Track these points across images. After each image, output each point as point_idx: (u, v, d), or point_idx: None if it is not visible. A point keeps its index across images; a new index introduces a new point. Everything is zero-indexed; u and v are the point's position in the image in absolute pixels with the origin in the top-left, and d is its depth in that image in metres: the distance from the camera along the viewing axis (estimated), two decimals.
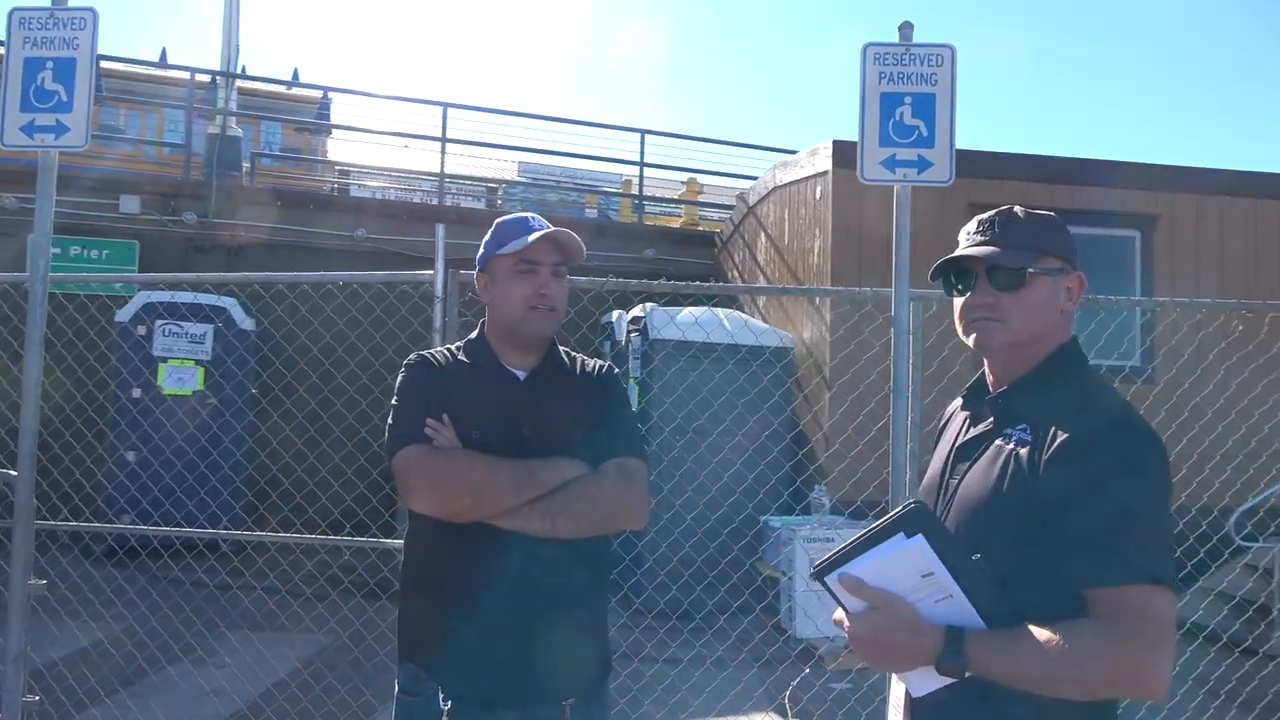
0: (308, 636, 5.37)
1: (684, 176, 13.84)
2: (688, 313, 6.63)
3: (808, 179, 8.10)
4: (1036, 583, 1.40)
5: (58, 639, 4.72)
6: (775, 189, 8.96)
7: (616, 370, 2.26)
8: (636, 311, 7.28)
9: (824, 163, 7.69)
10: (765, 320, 8.33)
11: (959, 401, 1.79)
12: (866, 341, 4.70)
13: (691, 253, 11.12)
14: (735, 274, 10.21)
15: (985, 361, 1.69)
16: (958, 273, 1.64)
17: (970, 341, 1.62)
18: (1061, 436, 1.43)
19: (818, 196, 7.84)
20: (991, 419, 1.59)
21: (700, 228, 12.97)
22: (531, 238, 2.06)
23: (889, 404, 3.42)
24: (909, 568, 1.38)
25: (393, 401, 2.08)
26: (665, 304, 7.15)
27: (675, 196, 14.43)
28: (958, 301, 1.65)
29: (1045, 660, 1.31)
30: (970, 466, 1.57)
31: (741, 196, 10.47)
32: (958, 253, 1.62)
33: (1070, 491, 1.39)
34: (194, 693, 4.64)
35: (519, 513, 1.92)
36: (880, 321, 4.16)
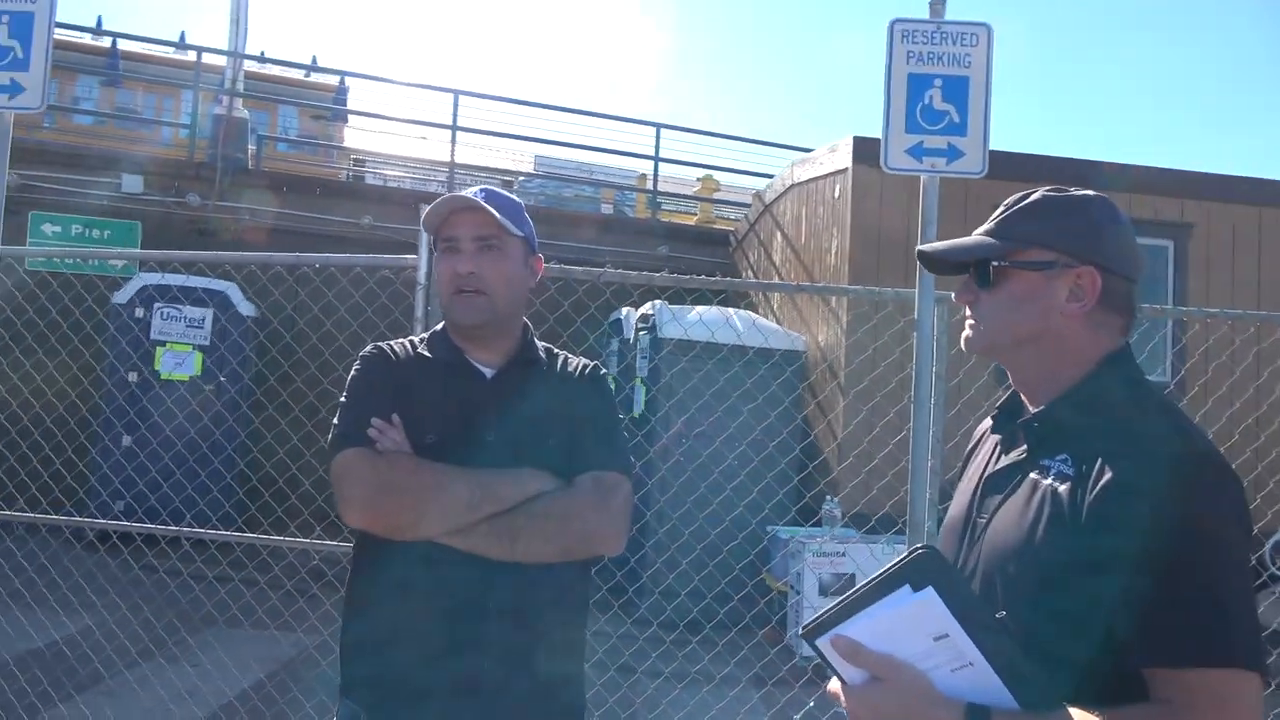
0: (286, 635, 5.12)
1: (699, 173, 13.57)
2: (701, 310, 6.34)
3: (826, 176, 7.80)
4: (1080, 655, 1.11)
5: (22, 631, 4.49)
6: (792, 186, 8.67)
7: (603, 370, 1.96)
8: (646, 309, 7.01)
9: (843, 159, 7.39)
10: (779, 322, 8.04)
11: (990, 422, 1.51)
12: (886, 346, 4.40)
13: (706, 251, 10.83)
14: (750, 273, 9.92)
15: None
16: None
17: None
18: (1109, 472, 1.14)
19: (836, 195, 7.54)
20: (1025, 446, 1.31)
21: (716, 226, 12.68)
22: (433, 208, 1.80)
23: (906, 414, 3.14)
24: (918, 628, 1.09)
25: (341, 398, 1.81)
26: (687, 301, 6.87)
27: (690, 193, 14.15)
28: None
29: None
30: (1001, 504, 1.29)
31: (758, 195, 10.18)
32: (923, 245, 1.44)
33: (1124, 543, 1.10)
34: (169, 692, 4.39)
35: (474, 532, 1.63)
36: (901, 325, 3.86)
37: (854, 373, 5.34)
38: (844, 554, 5.72)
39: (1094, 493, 1.15)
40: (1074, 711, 1.05)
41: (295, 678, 4.39)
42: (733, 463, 4.89)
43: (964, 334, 1.39)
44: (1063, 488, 1.19)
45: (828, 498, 6.25)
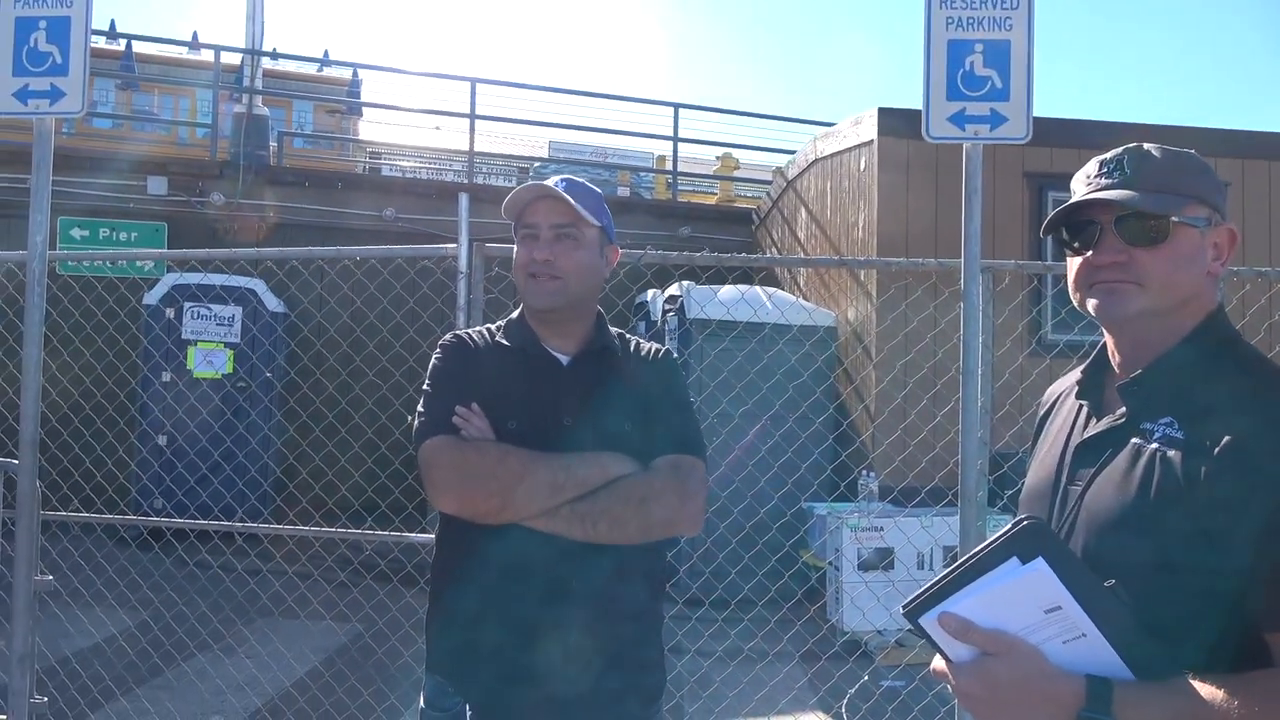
0: (341, 624, 5.20)
1: (719, 152, 13.49)
2: (730, 290, 6.32)
3: (851, 149, 7.73)
4: (1197, 621, 1.10)
5: (83, 628, 4.57)
6: (816, 161, 8.60)
7: (674, 355, 2.01)
8: (673, 290, 6.99)
9: (869, 132, 7.32)
10: (805, 298, 8.00)
11: (1065, 385, 1.48)
12: (926, 319, 4.37)
13: (728, 230, 10.78)
14: (774, 250, 9.86)
15: (1108, 337, 1.37)
16: (1072, 226, 1.32)
17: (1091, 309, 1.30)
18: (1228, 434, 1.11)
19: (862, 168, 7.47)
20: (1123, 410, 1.27)
21: (737, 204, 12.62)
22: (514, 195, 1.83)
23: (950, 386, 3.12)
24: (1028, 601, 1.08)
25: (424, 386, 1.85)
26: (703, 283, 6.85)
27: (710, 173, 14.08)
28: (1074, 262, 1.33)
29: None
30: (1098, 471, 1.25)
31: (780, 171, 10.11)
32: (1085, 195, 1.29)
33: (1249, 505, 1.07)
34: (227, 683, 4.47)
35: (556, 515, 1.68)
36: (946, 296, 3.83)
37: (896, 346, 5.30)
38: (882, 528, 5.71)
39: (1213, 455, 1.11)
40: (1196, 681, 1.04)
41: (352, 666, 4.46)
42: (778, 441, 4.90)
43: (1102, 297, 1.28)
44: (1173, 453, 1.16)
45: (864, 472, 6.23)
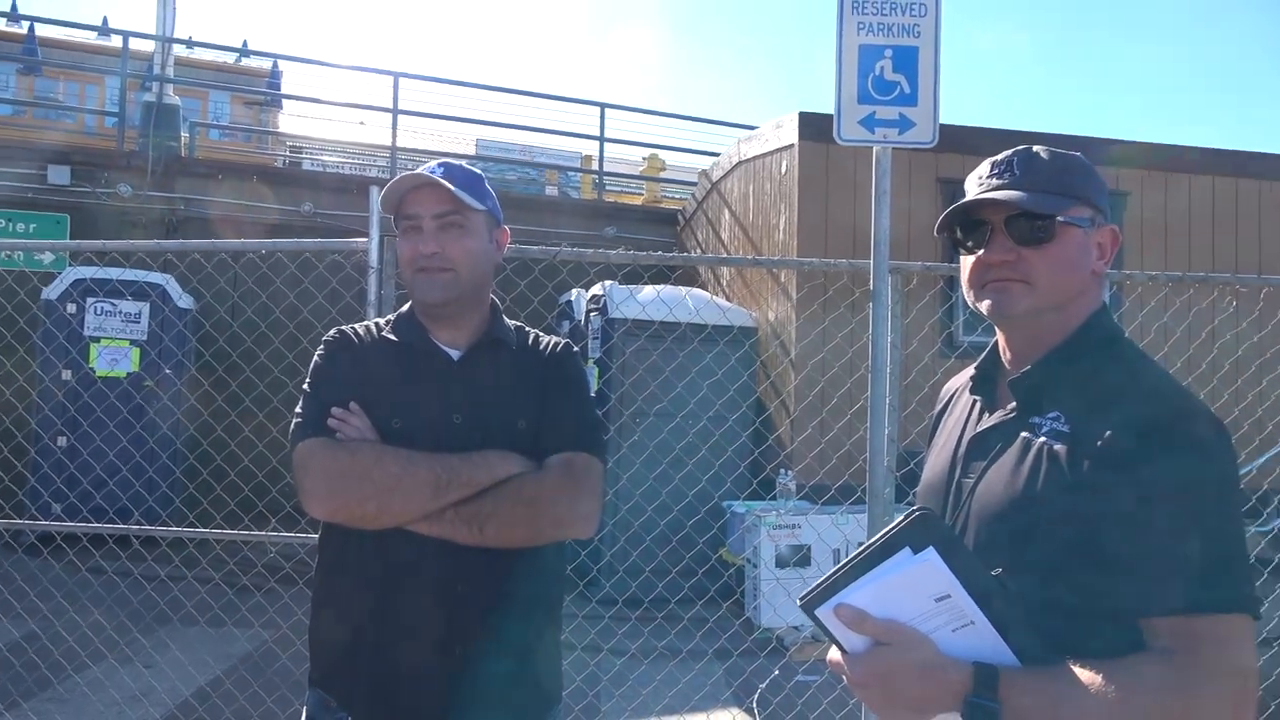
0: (244, 630, 5.01)
1: (645, 153, 13.53)
2: (650, 289, 6.33)
3: (773, 153, 7.83)
4: (1076, 609, 1.13)
5: None
6: (739, 163, 8.69)
7: (574, 348, 1.92)
8: (596, 290, 6.98)
9: (789, 135, 7.43)
10: (728, 299, 8.08)
11: (961, 381, 1.51)
12: (840, 318, 4.45)
13: (653, 230, 10.82)
14: (698, 251, 9.94)
15: (1000, 334, 1.41)
16: (965, 226, 1.35)
17: (984, 308, 1.33)
18: (1109, 428, 1.15)
19: (783, 171, 7.58)
20: (1014, 404, 1.31)
21: (662, 205, 12.68)
22: (390, 186, 1.75)
23: (862, 384, 3.17)
24: (919, 590, 1.10)
25: (304, 385, 1.76)
26: (643, 279, 6.86)
27: (636, 173, 14.12)
28: (967, 260, 1.36)
29: (1101, 706, 1.04)
30: (989, 464, 1.29)
31: (704, 173, 10.19)
32: (976, 196, 1.32)
33: (1125, 497, 1.12)
34: (122, 694, 4.27)
35: (441, 518, 1.60)
36: (857, 295, 3.90)
37: (809, 345, 5.38)
38: (799, 526, 5.80)
39: (1095, 448, 1.15)
40: (1075, 666, 1.07)
41: (255, 673, 4.30)
42: (692, 440, 4.92)
43: (988, 300, 1.31)
44: (1059, 446, 1.19)
45: (782, 470, 6.32)
